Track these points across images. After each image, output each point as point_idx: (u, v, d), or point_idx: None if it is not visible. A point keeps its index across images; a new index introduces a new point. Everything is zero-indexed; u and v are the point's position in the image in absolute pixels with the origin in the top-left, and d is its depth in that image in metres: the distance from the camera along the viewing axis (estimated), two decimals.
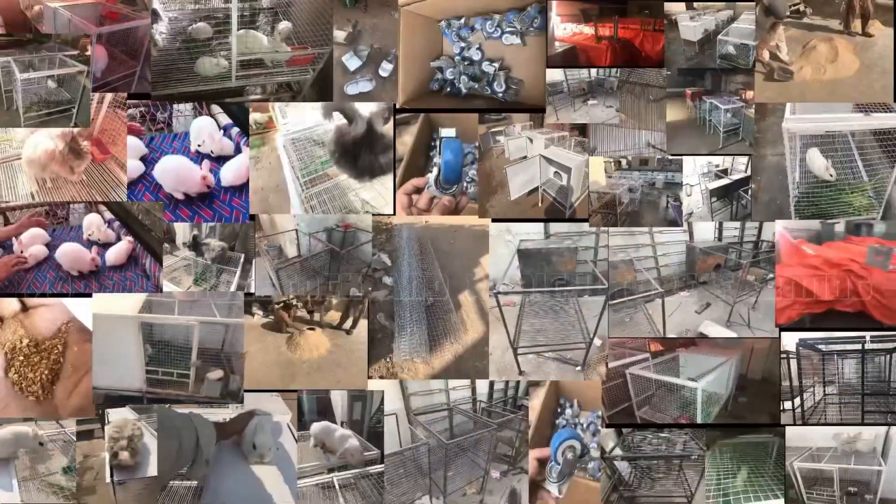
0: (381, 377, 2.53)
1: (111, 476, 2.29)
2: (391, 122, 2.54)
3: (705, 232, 2.67)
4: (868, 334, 2.54)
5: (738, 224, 2.63)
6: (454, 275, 2.61)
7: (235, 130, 2.67)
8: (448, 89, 2.69)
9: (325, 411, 2.56)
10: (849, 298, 2.52)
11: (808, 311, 2.54)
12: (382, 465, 2.50)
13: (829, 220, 2.57)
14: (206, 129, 2.67)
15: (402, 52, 2.57)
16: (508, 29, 2.63)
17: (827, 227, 2.58)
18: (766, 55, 2.56)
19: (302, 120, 2.60)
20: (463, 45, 2.69)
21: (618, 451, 2.56)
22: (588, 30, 2.59)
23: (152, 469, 2.32)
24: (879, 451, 2.55)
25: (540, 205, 2.63)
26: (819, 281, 2.52)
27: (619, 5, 2.59)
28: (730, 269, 2.71)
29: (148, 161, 2.63)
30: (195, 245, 2.58)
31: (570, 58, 2.60)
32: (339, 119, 2.52)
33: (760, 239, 2.64)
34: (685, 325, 2.61)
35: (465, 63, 2.68)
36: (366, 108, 2.51)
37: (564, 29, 2.60)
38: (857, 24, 2.58)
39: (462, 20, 2.68)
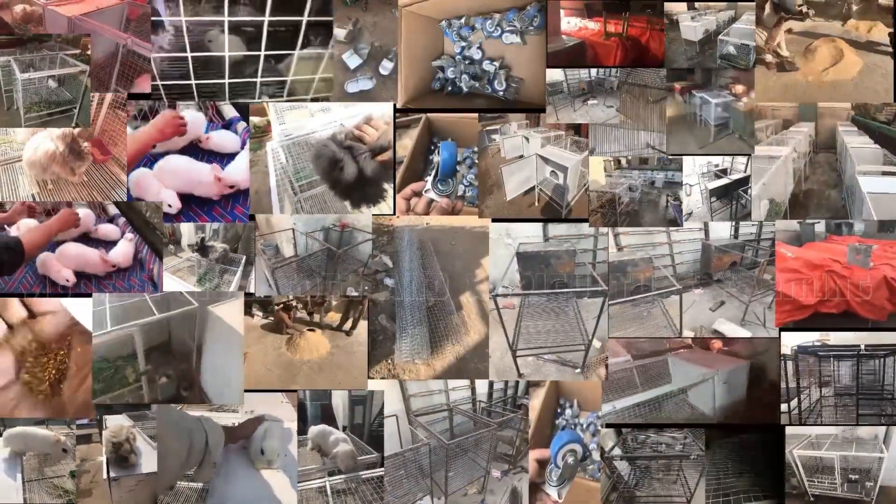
0: (383, 378, 2.54)
1: (108, 473, 2.43)
2: (388, 147, 2.54)
3: (721, 230, 2.66)
4: (863, 344, 2.53)
5: (755, 222, 2.62)
6: (455, 276, 2.60)
7: (242, 125, 2.60)
8: (449, 88, 2.68)
9: (327, 416, 2.57)
10: (833, 299, 2.51)
11: (790, 318, 2.55)
12: (381, 470, 2.51)
13: (809, 220, 2.57)
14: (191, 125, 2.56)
15: (402, 52, 2.56)
16: (508, 28, 2.62)
17: (807, 228, 2.58)
18: (769, 57, 2.56)
19: (300, 125, 2.57)
20: (463, 44, 2.68)
21: (617, 451, 2.56)
22: (593, 25, 2.58)
23: (144, 468, 2.43)
24: (882, 438, 2.55)
25: (536, 204, 2.62)
26: (799, 284, 2.52)
27: (623, 1, 2.57)
28: (745, 268, 2.69)
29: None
30: (202, 248, 2.57)
31: (578, 53, 2.58)
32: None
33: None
34: (699, 322, 2.60)
35: (466, 62, 2.68)
36: (355, 151, 2.51)
37: (568, 23, 2.59)
38: None
39: (462, 19, 2.67)
